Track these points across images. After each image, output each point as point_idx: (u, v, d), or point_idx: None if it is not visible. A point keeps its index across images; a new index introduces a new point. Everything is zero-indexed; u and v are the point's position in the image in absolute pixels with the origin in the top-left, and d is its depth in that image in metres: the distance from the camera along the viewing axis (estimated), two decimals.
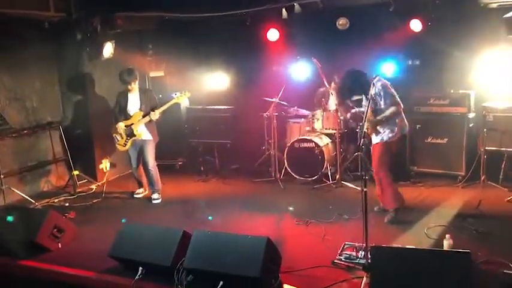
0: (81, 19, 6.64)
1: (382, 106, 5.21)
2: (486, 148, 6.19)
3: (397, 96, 5.23)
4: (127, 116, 6.39)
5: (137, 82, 6.38)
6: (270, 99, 7.11)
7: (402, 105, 5.24)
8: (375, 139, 5.33)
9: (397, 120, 5.25)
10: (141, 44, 8.26)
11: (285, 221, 5.60)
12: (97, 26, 6.64)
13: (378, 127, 5.24)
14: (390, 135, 5.23)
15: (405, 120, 5.37)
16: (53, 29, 6.93)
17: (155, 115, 6.27)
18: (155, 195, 6.52)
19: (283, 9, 6.91)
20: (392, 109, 5.18)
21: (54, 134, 7.35)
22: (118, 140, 6.42)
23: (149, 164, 6.45)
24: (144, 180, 6.72)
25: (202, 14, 6.55)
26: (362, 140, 4.51)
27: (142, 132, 6.37)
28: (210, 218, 5.70)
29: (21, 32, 6.67)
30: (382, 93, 5.18)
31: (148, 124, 6.38)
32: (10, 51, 6.64)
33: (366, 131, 5.09)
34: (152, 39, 8.28)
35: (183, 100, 6.67)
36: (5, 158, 6.46)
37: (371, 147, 5.41)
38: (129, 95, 6.39)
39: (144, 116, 6.32)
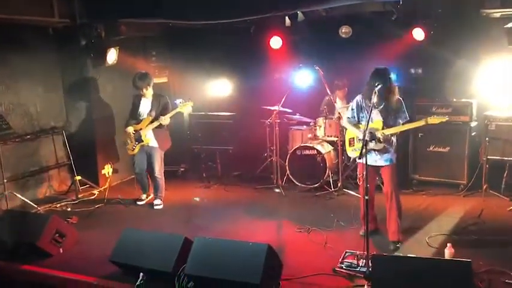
0: (85, 25, 6.67)
1: (394, 121, 4.83)
2: (488, 157, 6.18)
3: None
4: (138, 120, 6.42)
5: (150, 88, 6.37)
6: (271, 108, 7.13)
7: None
8: (383, 161, 4.85)
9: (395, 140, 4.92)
10: (144, 50, 8.28)
11: (286, 228, 5.59)
12: (101, 32, 6.67)
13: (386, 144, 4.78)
14: (395, 155, 4.89)
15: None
16: (57, 35, 7.00)
17: (165, 120, 6.29)
18: (157, 201, 6.54)
19: (287, 17, 6.95)
20: (405, 126, 4.84)
21: (57, 139, 7.37)
22: (128, 144, 6.46)
23: (155, 171, 6.46)
24: (148, 184, 6.73)
25: (206, 22, 6.57)
26: (364, 147, 4.48)
27: (150, 139, 6.38)
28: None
29: (25, 38, 6.70)
30: (399, 108, 4.83)
31: (160, 131, 6.39)
32: (14, 57, 6.68)
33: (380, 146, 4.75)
34: (156, 45, 8.33)
35: (185, 109, 6.64)
36: (7, 163, 6.47)
37: (380, 170, 4.95)
38: (142, 99, 6.42)
39: (152, 122, 6.35)
